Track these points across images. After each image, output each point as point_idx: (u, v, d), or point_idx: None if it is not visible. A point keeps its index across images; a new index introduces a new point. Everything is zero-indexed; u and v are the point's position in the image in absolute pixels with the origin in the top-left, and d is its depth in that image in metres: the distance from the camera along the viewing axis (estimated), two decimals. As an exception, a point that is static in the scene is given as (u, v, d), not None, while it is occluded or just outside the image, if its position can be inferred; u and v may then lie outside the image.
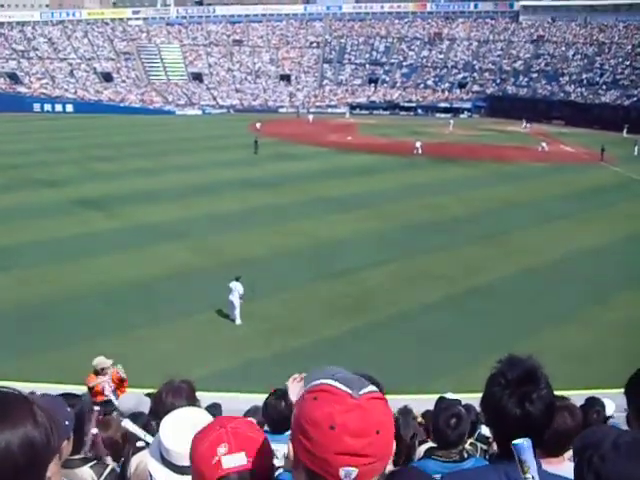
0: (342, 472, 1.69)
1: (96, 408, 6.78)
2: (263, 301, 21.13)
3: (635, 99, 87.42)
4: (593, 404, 7.31)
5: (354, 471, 1.69)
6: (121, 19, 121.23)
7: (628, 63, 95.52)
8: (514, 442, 2.18)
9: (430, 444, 5.73)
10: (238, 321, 19.41)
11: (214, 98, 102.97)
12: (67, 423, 3.19)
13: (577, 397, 8.27)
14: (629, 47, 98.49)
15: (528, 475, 2.17)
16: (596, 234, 31.44)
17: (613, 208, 37.74)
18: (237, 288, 19.47)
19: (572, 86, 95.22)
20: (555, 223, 33.42)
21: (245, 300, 19.58)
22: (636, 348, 18.84)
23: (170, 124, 77.39)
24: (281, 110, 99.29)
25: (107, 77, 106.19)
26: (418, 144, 55.25)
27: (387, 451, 1.76)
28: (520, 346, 18.28)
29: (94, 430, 5.09)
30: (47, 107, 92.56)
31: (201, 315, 19.98)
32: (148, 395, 9.19)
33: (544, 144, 61.58)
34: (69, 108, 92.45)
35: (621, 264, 27.05)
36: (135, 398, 8.11)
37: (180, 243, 27.39)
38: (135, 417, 6.14)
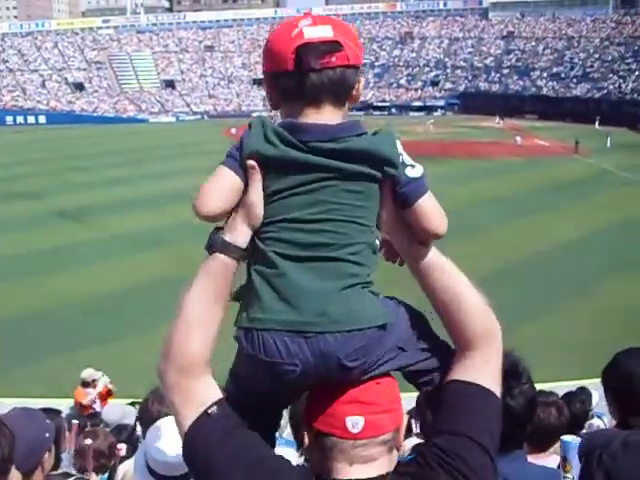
0: (349, 422, 1.66)
1: (75, 422, 6.70)
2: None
3: (605, 92, 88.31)
4: (578, 394, 7.34)
5: (360, 419, 1.66)
6: (91, 28, 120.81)
7: (597, 56, 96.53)
8: (563, 438, 2.14)
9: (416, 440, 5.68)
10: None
11: (187, 105, 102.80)
12: (47, 435, 3.14)
13: (563, 388, 8.30)
14: (597, 40, 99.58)
15: (569, 475, 2.12)
16: (575, 226, 31.64)
17: (590, 199, 38.03)
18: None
19: (543, 80, 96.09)
20: (533, 216, 33.60)
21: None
22: (619, 336, 18.98)
23: (144, 132, 77.07)
24: (255, 114, 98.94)
25: (79, 87, 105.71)
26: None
27: (392, 405, 1.74)
28: (503, 340, 18.38)
29: (88, 441, 5.04)
30: (19, 119, 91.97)
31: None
32: (132, 404, 9.13)
33: (518, 138, 62.06)
34: (42, 119, 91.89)
35: (600, 254, 27.27)
36: (120, 410, 8.06)
37: (159, 251, 27.21)
38: (120, 429, 6.10)
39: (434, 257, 1.97)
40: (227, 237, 1.78)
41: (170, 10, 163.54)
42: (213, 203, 1.75)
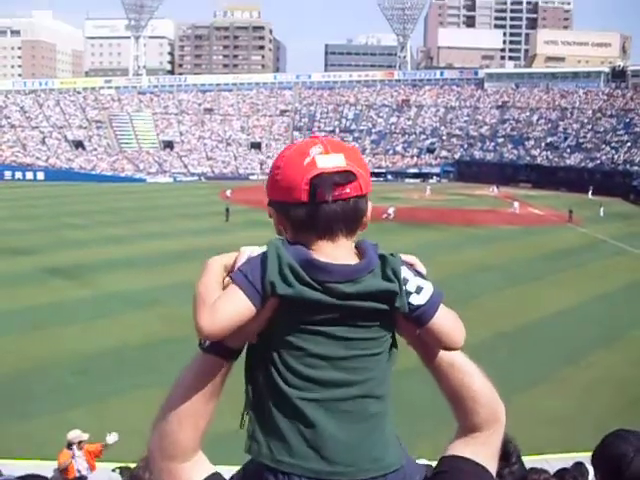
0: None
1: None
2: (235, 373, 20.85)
3: (598, 162, 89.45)
4: (571, 470, 7.18)
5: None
6: (93, 88, 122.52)
7: (590, 127, 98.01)
8: None
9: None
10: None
11: (185, 166, 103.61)
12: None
13: (558, 462, 8.21)
14: (590, 112, 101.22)
15: None
16: (566, 295, 31.69)
17: (582, 269, 38.18)
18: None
19: (537, 150, 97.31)
20: (526, 285, 33.66)
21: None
22: (610, 407, 18.87)
23: (141, 192, 77.53)
24: (252, 177, 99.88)
25: (78, 145, 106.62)
26: (391, 210, 55.57)
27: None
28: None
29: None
30: (18, 175, 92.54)
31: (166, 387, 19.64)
32: (120, 469, 8.98)
33: (516, 204, 62.53)
34: (40, 176, 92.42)
35: (591, 324, 27.25)
36: (106, 477, 7.93)
37: (152, 312, 27.05)
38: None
39: (452, 358, 2.00)
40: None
41: (172, 73, 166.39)
42: (222, 325, 1.69)
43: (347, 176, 1.68)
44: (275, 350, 1.71)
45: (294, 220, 1.72)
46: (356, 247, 1.78)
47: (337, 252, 1.71)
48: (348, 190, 1.68)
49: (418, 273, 1.83)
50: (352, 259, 1.73)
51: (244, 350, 1.83)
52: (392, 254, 1.79)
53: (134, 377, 20.14)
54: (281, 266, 1.64)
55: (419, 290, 1.77)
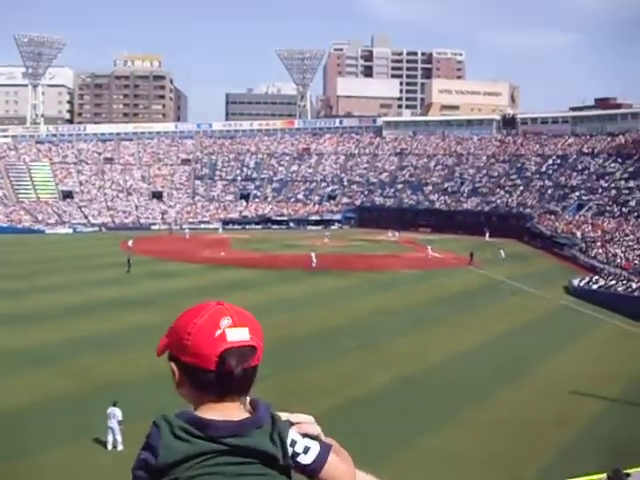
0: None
1: None
2: (143, 424, 20.34)
3: (494, 205, 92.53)
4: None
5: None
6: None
7: (485, 172, 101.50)
8: None
9: None
10: (120, 447, 18.55)
11: (85, 216, 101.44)
12: None
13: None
14: (484, 158, 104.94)
15: None
16: (468, 336, 32.45)
17: (482, 310, 39.23)
18: (116, 413, 18.77)
19: (436, 195, 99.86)
20: (428, 328, 34.26)
21: (124, 424, 18.79)
22: (513, 446, 19.30)
23: (40, 243, 75.38)
24: (154, 227, 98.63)
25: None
26: (313, 255, 55.87)
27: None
28: (402, 455, 18.43)
29: None
30: None
31: (75, 444, 19.01)
32: None
33: (429, 247, 63.60)
34: None
35: (493, 364, 27.94)
36: None
37: (50, 368, 26.05)
38: None
39: None
40: None
41: (71, 122, 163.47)
42: None
43: (251, 350, 1.86)
44: None
45: (198, 383, 1.87)
46: (250, 403, 1.94)
47: (230, 410, 1.87)
48: (250, 362, 1.85)
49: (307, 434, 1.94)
50: (242, 414, 1.88)
51: None
52: (285, 421, 1.92)
53: (31, 437, 19.35)
54: (173, 429, 1.79)
55: (306, 450, 1.89)
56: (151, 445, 1.81)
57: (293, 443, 1.88)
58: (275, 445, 1.83)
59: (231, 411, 1.87)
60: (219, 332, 1.82)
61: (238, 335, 1.84)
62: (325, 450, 1.92)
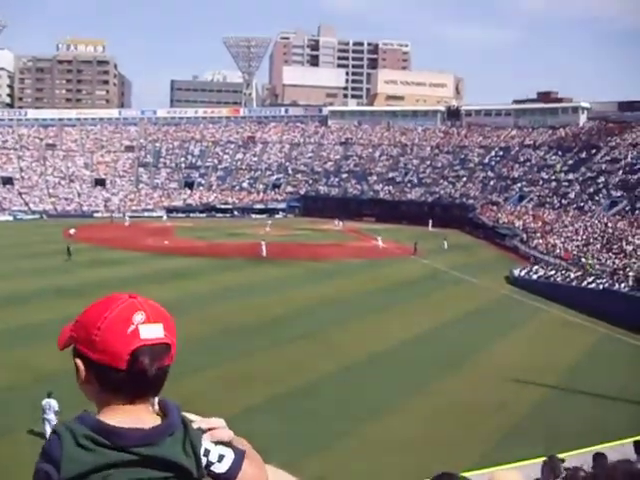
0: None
1: None
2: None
3: (437, 196, 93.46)
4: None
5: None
6: None
7: (429, 163, 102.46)
8: None
9: None
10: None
11: (26, 203, 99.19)
12: None
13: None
14: (428, 148, 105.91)
15: None
16: (410, 325, 32.78)
17: (424, 299, 39.69)
18: (52, 405, 18.39)
19: (380, 185, 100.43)
20: (372, 317, 34.49)
21: (60, 415, 18.47)
22: (456, 432, 19.55)
23: (-25, 231, 73.46)
24: (96, 215, 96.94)
25: None
26: (263, 245, 55.65)
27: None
28: (343, 443, 18.52)
29: None
30: None
31: (9, 437, 18.63)
32: None
33: (379, 238, 63.65)
34: None
35: (434, 352, 28.28)
36: None
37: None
38: None
39: None
40: None
41: (11, 106, 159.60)
42: None
43: (165, 348, 1.75)
44: None
45: (107, 383, 1.74)
46: (159, 404, 1.83)
47: (139, 413, 1.76)
48: (164, 361, 1.75)
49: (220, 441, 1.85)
50: (152, 418, 1.77)
51: None
52: (197, 428, 1.81)
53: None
54: (77, 439, 1.65)
55: (220, 459, 1.81)
56: (51, 457, 1.65)
57: (207, 452, 1.79)
58: (188, 456, 1.73)
59: (140, 414, 1.76)
60: (132, 328, 1.70)
61: (152, 332, 1.72)
62: (239, 457, 1.84)
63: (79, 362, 1.77)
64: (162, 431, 1.72)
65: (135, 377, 1.70)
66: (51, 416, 18.39)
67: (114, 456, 1.64)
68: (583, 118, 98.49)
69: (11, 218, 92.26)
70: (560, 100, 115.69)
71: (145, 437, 1.69)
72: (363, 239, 66.97)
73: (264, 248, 55.39)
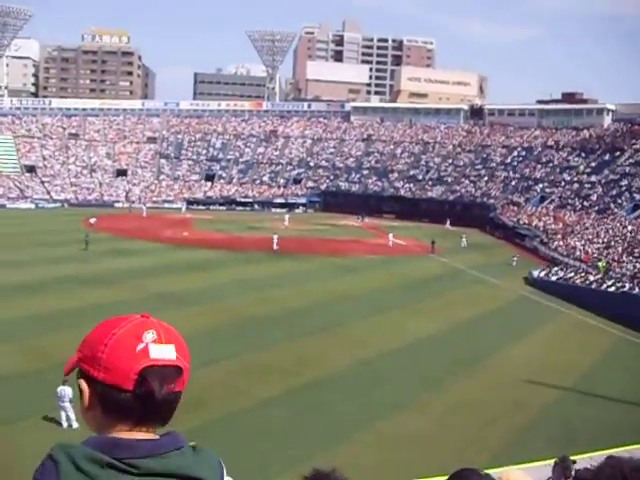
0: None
1: None
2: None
3: (458, 194, 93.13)
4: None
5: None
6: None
7: (450, 161, 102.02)
8: None
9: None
10: (75, 424, 18.37)
11: (48, 192, 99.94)
12: None
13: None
14: (450, 147, 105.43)
15: None
16: (427, 323, 32.78)
17: (442, 297, 39.60)
18: (66, 392, 18.58)
19: (401, 182, 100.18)
20: (389, 314, 34.53)
21: (75, 402, 18.66)
22: (467, 430, 19.58)
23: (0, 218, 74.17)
24: (117, 205, 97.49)
25: None
26: (275, 238, 55.85)
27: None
28: (358, 436, 18.59)
29: None
30: None
31: (26, 422, 18.84)
32: None
33: (391, 236, 63.60)
34: None
35: (450, 351, 28.26)
36: None
37: (3, 346, 25.67)
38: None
39: None
40: None
41: (35, 95, 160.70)
42: None
43: (176, 371, 1.64)
44: None
45: (111, 405, 1.62)
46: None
47: (142, 434, 1.65)
48: (174, 386, 1.63)
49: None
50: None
51: None
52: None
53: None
54: (77, 464, 1.51)
55: None
56: None
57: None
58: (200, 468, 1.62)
59: (148, 434, 1.64)
60: (141, 346, 1.59)
61: (163, 352, 1.60)
62: None
63: (83, 383, 1.66)
64: (168, 443, 1.62)
65: (142, 400, 1.59)
66: (66, 404, 18.59)
67: (117, 478, 1.51)
68: (608, 120, 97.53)
69: (33, 206, 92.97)
70: (585, 101, 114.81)
71: (151, 448, 1.58)
72: (383, 236, 66.84)
73: (276, 241, 55.63)
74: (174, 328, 1.72)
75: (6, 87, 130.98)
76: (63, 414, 18.68)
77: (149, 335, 1.61)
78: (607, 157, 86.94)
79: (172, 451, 1.60)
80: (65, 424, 18.59)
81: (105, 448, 1.53)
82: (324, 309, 34.94)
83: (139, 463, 1.53)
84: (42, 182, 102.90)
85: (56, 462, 1.52)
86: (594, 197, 76.93)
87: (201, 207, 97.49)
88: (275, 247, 54.86)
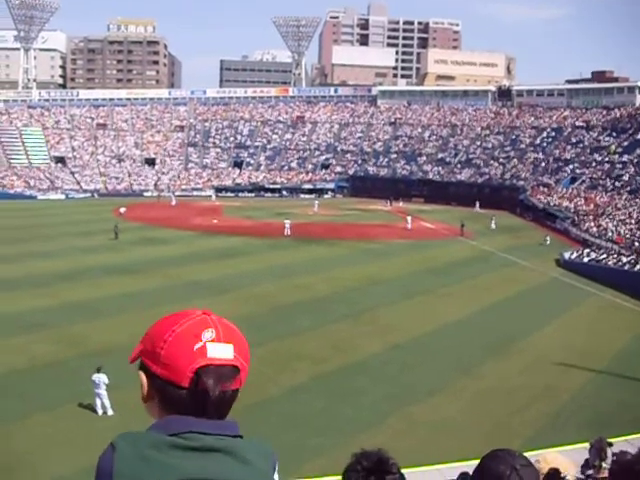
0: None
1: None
2: (132, 390, 20.40)
3: (487, 177, 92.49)
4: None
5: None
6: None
7: (479, 144, 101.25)
8: None
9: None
10: (110, 412, 18.65)
11: (78, 182, 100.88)
12: None
13: (451, 470, 8.45)
14: (479, 129, 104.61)
15: None
16: (458, 307, 32.63)
17: (472, 281, 39.40)
18: (101, 379, 18.83)
19: (429, 165, 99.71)
20: (419, 298, 34.44)
21: (109, 389, 18.87)
22: (501, 415, 19.52)
23: (31, 209, 74.99)
24: (146, 194, 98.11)
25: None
26: (287, 224, 56.01)
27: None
28: (391, 422, 18.63)
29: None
30: None
31: (62, 408, 19.13)
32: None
33: (409, 219, 63.49)
34: None
35: (482, 335, 28.13)
36: None
37: (39, 334, 26.13)
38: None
39: None
40: None
41: (63, 86, 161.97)
42: None
43: (233, 371, 1.65)
44: None
45: (168, 399, 1.66)
46: None
47: None
48: (230, 384, 1.65)
49: None
50: None
51: None
52: None
53: (16, 402, 19.43)
54: (142, 451, 1.55)
55: None
56: (102, 472, 1.56)
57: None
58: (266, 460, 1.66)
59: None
60: (199, 345, 1.62)
61: (221, 352, 1.63)
62: None
63: (142, 375, 1.71)
64: (231, 426, 1.67)
65: (197, 397, 1.62)
66: (101, 391, 18.83)
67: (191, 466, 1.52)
68: (639, 98, 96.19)
69: (63, 197, 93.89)
70: (616, 80, 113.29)
71: (217, 426, 1.63)
72: (413, 220, 66.58)
73: (288, 227, 55.80)
74: (235, 326, 1.74)
75: (34, 79, 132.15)
76: (98, 401, 18.92)
77: (208, 334, 1.64)
78: (639, 136, 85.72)
79: (228, 437, 1.63)
80: (100, 411, 18.83)
81: (166, 427, 1.59)
82: (354, 295, 34.92)
83: (200, 438, 1.58)
84: (72, 173, 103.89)
85: (114, 448, 1.56)
86: (626, 177, 75.97)
87: (230, 194, 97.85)
88: (287, 232, 55.01)
